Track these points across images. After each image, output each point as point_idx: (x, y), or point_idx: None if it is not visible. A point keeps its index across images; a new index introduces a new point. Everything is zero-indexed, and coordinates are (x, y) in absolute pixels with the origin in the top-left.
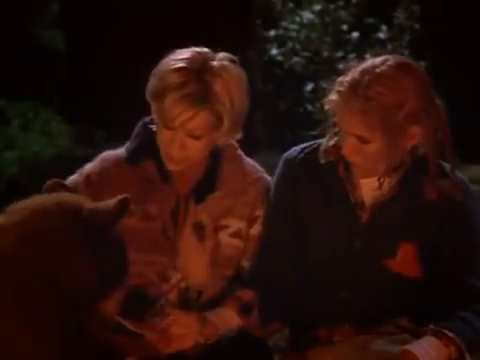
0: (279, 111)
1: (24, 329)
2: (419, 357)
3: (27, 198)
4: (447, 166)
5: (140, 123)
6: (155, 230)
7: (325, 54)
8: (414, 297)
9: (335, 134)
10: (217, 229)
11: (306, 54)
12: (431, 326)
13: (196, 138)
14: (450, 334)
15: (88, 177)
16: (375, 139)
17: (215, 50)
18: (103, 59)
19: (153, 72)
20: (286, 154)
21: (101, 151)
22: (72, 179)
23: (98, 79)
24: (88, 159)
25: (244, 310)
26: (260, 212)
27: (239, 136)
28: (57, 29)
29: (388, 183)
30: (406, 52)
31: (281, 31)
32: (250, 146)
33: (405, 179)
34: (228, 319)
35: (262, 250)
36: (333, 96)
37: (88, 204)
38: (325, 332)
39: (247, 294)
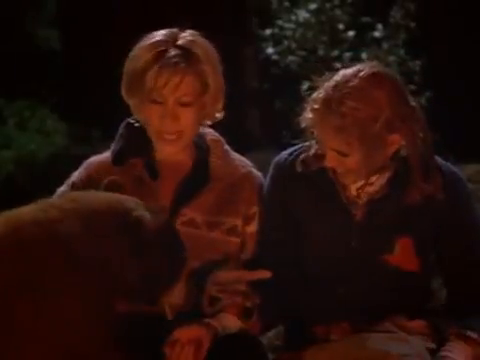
0: (275, 110)
1: (73, 299)
2: None
3: (22, 195)
4: (433, 165)
5: (123, 124)
6: None
7: (321, 53)
8: (412, 293)
9: (315, 143)
10: (211, 226)
11: (302, 53)
12: (454, 328)
13: (186, 105)
14: (474, 336)
15: (74, 185)
16: (354, 152)
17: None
18: (99, 58)
19: (124, 69)
20: (276, 159)
21: (97, 150)
22: (60, 190)
23: (94, 78)
24: (84, 158)
25: (245, 315)
26: (256, 209)
27: (221, 115)
28: (53, 28)
29: (379, 181)
30: (402, 51)
31: (277, 30)
32: (246, 144)
33: (396, 176)
34: (230, 323)
35: (258, 253)
36: (308, 114)
37: (136, 211)
38: (322, 330)
39: (249, 299)
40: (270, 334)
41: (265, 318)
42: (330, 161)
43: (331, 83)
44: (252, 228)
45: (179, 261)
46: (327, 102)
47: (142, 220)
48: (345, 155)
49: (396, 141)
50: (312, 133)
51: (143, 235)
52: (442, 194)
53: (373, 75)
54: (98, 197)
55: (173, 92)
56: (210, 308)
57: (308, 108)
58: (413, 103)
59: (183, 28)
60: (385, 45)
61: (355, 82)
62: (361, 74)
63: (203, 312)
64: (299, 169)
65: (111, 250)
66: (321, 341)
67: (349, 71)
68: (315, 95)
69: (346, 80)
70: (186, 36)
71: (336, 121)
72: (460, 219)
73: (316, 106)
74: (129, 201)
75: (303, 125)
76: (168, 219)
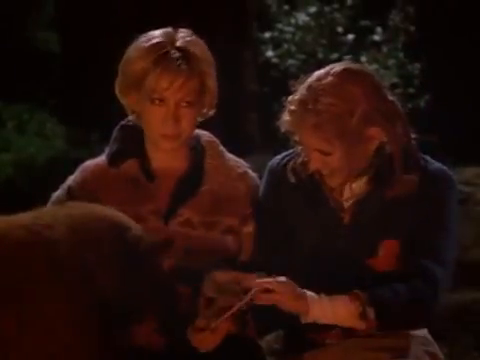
0: (274, 113)
1: (60, 304)
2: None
3: (21, 198)
4: (416, 160)
5: (117, 127)
6: (147, 231)
7: (320, 56)
8: None
9: (302, 151)
10: (208, 226)
11: (301, 56)
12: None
13: (187, 106)
14: (357, 291)
15: (69, 189)
16: (335, 149)
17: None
18: (98, 61)
19: (120, 68)
20: (269, 163)
21: (96, 153)
22: (56, 195)
23: (93, 81)
24: (83, 161)
25: (241, 316)
26: (252, 209)
27: (213, 112)
28: (52, 31)
29: (361, 182)
30: (401, 54)
31: (276, 33)
32: (245, 147)
33: (376, 176)
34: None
35: (253, 257)
36: (286, 117)
37: (137, 229)
38: (319, 335)
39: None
40: (269, 337)
41: (259, 322)
42: (314, 162)
43: (305, 84)
44: (249, 228)
45: (166, 291)
46: (303, 102)
47: (140, 239)
48: (327, 154)
49: (375, 135)
50: (296, 142)
51: (137, 254)
52: (424, 189)
53: (345, 71)
54: (102, 209)
55: (175, 94)
56: (207, 310)
57: (285, 111)
58: (391, 97)
59: (177, 27)
60: (384, 48)
61: (328, 79)
62: (333, 71)
63: (199, 313)
64: (291, 179)
65: (96, 259)
66: (318, 346)
67: (322, 71)
68: (291, 98)
69: (319, 79)
70: (183, 36)
71: (313, 119)
72: (430, 212)
73: (293, 108)
74: (132, 222)
75: (283, 129)
76: (161, 250)
